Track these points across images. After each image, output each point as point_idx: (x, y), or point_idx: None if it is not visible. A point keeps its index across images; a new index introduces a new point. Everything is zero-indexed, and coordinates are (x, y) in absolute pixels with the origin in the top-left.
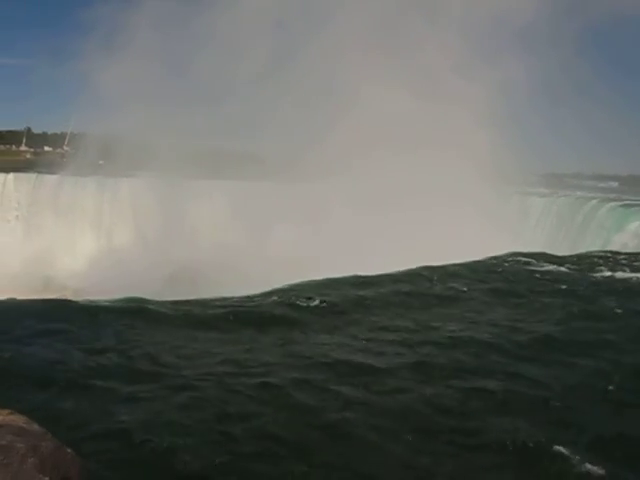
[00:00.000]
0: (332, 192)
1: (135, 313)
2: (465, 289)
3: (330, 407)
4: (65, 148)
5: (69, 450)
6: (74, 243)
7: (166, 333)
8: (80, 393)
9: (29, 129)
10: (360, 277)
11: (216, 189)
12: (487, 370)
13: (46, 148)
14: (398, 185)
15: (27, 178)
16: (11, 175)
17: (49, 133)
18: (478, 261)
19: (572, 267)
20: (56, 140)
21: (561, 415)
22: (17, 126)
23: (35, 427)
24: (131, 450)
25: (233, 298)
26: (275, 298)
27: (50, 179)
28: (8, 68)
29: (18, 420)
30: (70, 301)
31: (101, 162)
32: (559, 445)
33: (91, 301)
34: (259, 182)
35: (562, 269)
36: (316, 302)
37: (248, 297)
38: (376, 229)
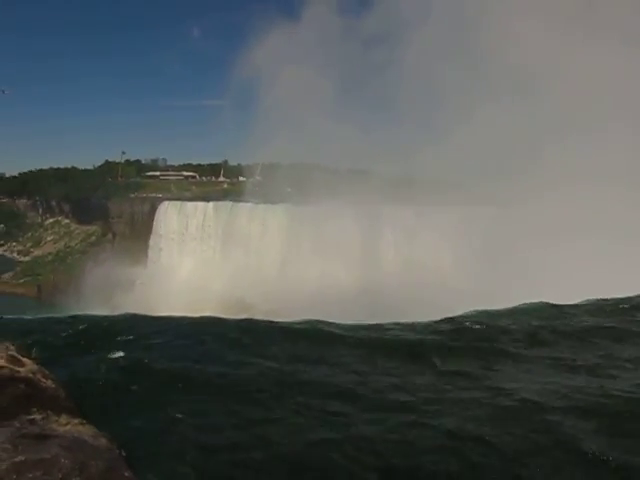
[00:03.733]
0: (517, 220)
1: (315, 335)
2: None
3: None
4: (257, 178)
5: (127, 473)
6: (263, 266)
7: (340, 357)
8: (245, 408)
9: (226, 161)
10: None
11: (403, 215)
12: None
13: (241, 178)
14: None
15: (224, 206)
16: (211, 204)
17: (243, 164)
18: None
19: None
20: (249, 170)
21: None
22: (216, 159)
23: (101, 441)
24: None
25: (413, 324)
26: (453, 326)
27: (243, 207)
28: (207, 109)
29: (83, 431)
30: (258, 321)
31: (289, 190)
32: None
33: (278, 322)
34: (449, 206)
35: None
36: (497, 331)
37: (427, 324)
38: (558, 262)
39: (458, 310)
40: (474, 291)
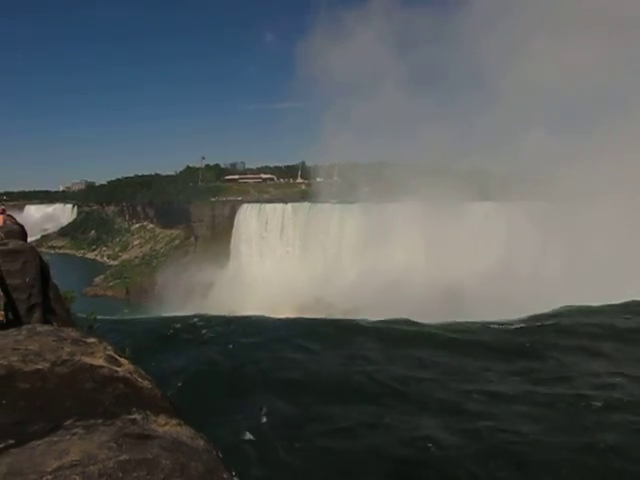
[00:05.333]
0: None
1: (397, 333)
2: None
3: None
4: (334, 178)
5: (225, 475)
6: (342, 266)
7: (428, 355)
8: (337, 411)
9: (303, 163)
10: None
11: (476, 211)
12: None
13: (318, 179)
14: None
15: (302, 207)
16: (289, 205)
17: (320, 165)
18: None
19: None
20: (326, 171)
21: None
22: (293, 161)
23: (199, 443)
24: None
25: (493, 323)
26: (537, 324)
27: (321, 207)
28: (283, 111)
29: (181, 432)
30: (337, 320)
31: (366, 189)
32: None
33: (359, 320)
34: (525, 202)
35: None
36: (582, 330)
37: (508, 323)
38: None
39: (538, 305)
40: (554, 286)
